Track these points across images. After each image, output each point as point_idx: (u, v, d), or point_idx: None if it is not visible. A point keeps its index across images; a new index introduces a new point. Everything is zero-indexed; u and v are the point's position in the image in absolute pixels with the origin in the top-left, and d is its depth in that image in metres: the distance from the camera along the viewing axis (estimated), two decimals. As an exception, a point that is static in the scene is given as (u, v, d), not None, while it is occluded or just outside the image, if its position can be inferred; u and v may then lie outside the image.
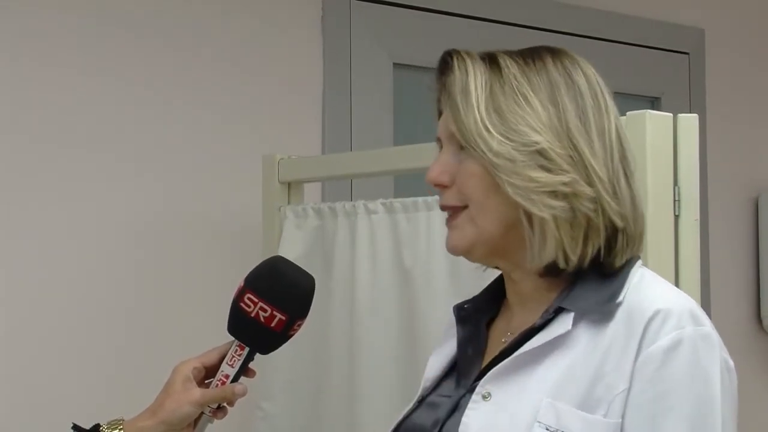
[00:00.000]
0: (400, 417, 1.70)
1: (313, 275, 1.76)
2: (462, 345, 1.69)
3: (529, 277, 1.62)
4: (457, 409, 1.60)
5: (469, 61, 1.62)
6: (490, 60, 1.62)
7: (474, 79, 1.60)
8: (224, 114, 2.80)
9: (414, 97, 3.11)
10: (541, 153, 1.55)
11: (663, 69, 3.62)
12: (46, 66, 2.58)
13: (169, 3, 2.74)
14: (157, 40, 2.72)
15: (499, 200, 1.58)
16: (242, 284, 1.73)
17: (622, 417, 1.51)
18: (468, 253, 1.64)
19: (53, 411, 2.49)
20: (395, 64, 3.09)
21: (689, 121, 1.95)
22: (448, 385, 1.68)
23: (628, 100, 3.49)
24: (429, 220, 2.27)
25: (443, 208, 1.65)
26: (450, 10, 3.18)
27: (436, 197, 2.24)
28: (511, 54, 1.63)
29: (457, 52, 1.63)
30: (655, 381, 1.50)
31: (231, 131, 2.81)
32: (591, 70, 1.64)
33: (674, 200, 1.95)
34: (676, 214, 1.95)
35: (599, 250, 1.58)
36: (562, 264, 1.57)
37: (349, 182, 2.92)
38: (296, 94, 2.92)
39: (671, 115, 1.96)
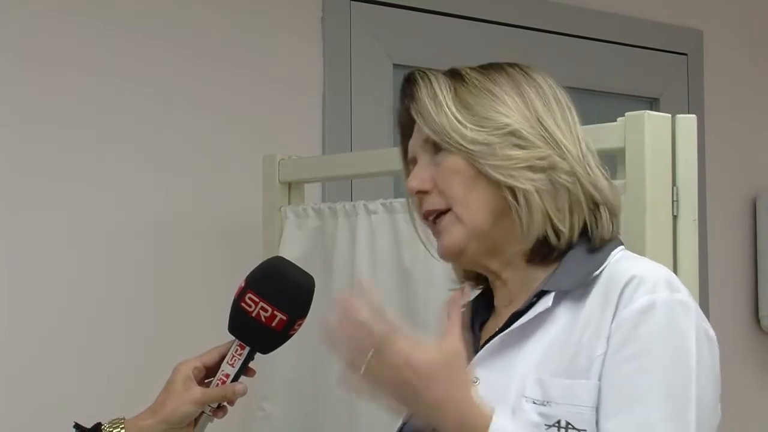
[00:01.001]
0: (399, 423, 1.71)
1: (313, 275, 1.77)
2: None
3: (519, 270, 1.66)
4: None
5: (431, 74, 1.69)
6: (451, 72, 1.70)
7: (438, 85, 1.67)
8: (224, 114, 2.81)
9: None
10: (513, 134, 1.63)
11: (661, 70, 3.62)
12: (46, 66, 2.58)
13: (169, 3, 2.74)
14: (157, 40, 2.72)
15: (481, 190, 1.64)
16: (243, 284, 1.74)
17: (599, 378, 1.53)
18: (462, 253, 1.67)
19: (54, 410, 2.50)
20: (395, 65, 3.10)
21: (688, 121, 1.96)
22: None
23: (627, 101, 3.50)
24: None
25: (426, 214, 1.69)
26: (450, 11, 3.19)
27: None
28: (470, 67, 1.72)
29: (419, 70, 1.71)
30: (629, 341, 1.53)
31: (231, 131, 2.81)
32: (549, 78, 1.72)
33: (673, 201, 1.95)
34: (675, 214, 1.95)
35: (585, 224, 1.63)
36: (553, 239, 1.62)
37: (349, 182, 2.93)
38: (296, 94, 2.92)
39: (670, 115, 1.97)
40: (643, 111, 1.94)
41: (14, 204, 2.54)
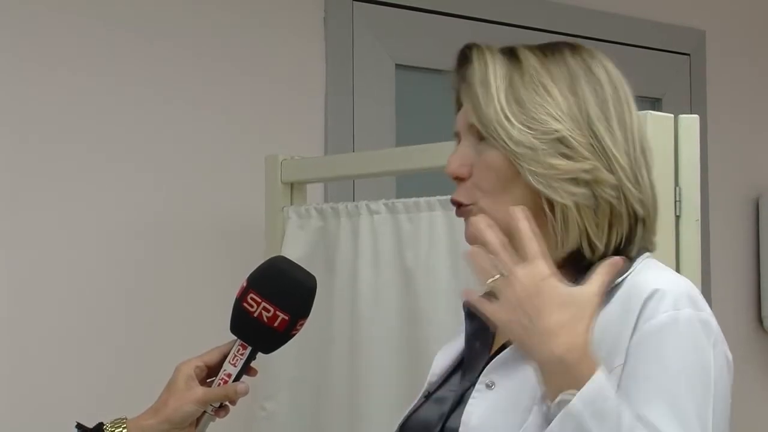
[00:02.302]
0: (406, 412, 1.71)
1: (315, 275, 1.77)
2: (470, 339, 1.69)
3: None
4: (461, 401, 1.60)
5: (488, 54, 1.62)
6: (510, 53, 1.63)
7: (493, 71, 1.60)
8: (227, 115, 2.81)
9: (416, 97, 3.12)
10: (561, 141, 1.56)
11: (664, 70, 3.62)
12: (46, 66, 2.58)
13: (170, 3, 2.75)
14: (158, 40, 2.72)
15: (517, 191, 1.57)
16: (245, 284, 1.74)
17: (616, 389, 1.50)
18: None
19: (54, 410, 2.50)
20: (397, 65, 3.10)
21: (690, 121, 1.96)
22: (455, 380, 1.68)
23: (630, 101, 3.50)
24: (431, 220, 2.27)
25: (454, 202, 1.65)
26: (452, 12, 3.19)
27: (438, 198, 2.26)
28: (530, 47, 1.64)
29: (477, 45, 1.64)
30: (650, 359, 1.49)
31: (234, 132, 2.81)
32: (611, 65, 1.65)
33: (675, 201, 1.95)
34: (677, 214, 1.95)
35: (622, 239, 1.58)
36: (587, 253, 1.57)
37: (352, 183, 2.93)
38: (299, 94, 2.92)
39: (672, 115, 1.97)
40: (645, 111, 1.94)
41: (14, 204, 2.53)
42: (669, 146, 1.94)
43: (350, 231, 2.41)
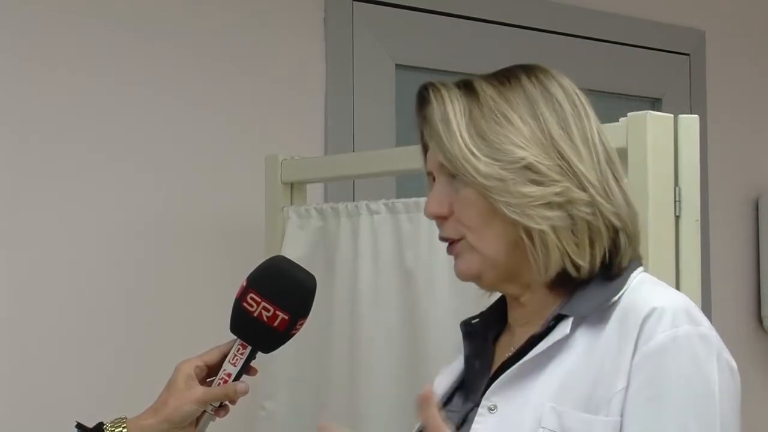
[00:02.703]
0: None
1: (315, 275, 1.77)
2: (469, 360, 1.69)
3: (538, 294, 1.63)
4: (465, 423, 1.61)
5: (444, 91, 1.63)
6: (466, 86, 1.64)
7: (452, 108, 1.61)
8: (227, 115, 2.81)
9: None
10: (529, 167, 1.57)
11: (664, 70, 3.62)
12: (46, 66, 2.58)
13: (170, 4, 2.75)
14: (158, 40, 2.72)
15: (498, 223, 1.59)
16: (245, 284, 1.74)
17: (621, 415, 1.51)
18: (478, 278, 1.65)
19: (55, 410, 2.50)
20: (397, 65, 3.10)
21: (690, 122, 1.96)
22: (457, 401, 1.68)
23: (629, 101, 3.50)
24: (431, 220, 2.27)
25: (442, 239, 1.66)
26: (452, 12, 3.19)
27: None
28: (486, 78, 1.65)
29: (432, 84, 1.65)
30: (652, 380, 1.50)
31: (234, 132, 2.81)
32: (566, 81, 1.65)
33: (675, 201, 1.95)
34: (677, 214, 1.95)
35: (605, 253, 1.59)
36: (573, 272, 1.58)
37: (352, 183, 2.93)
38: (299, 94, 2.92)
39: (672, 116, 1.97)
40: (645, 111, 1.94)
41: (14, 204, 2.54)
42: (669, 146, 1.94)
43: (350, 231, 2.41)
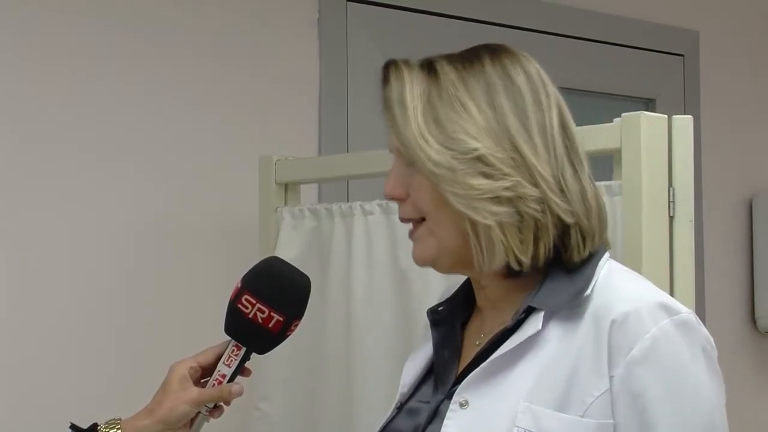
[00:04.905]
0: (380, 425, 1.70)
1: (309, 276, 1.77)
2: (438, 348, 1.68)
3: (497, 280, 1.61)
4: (436, 415, 1.60)
5: (405, 72, 1.61)
6: (429, 67, 1.62)
7: (411, 89, 1.59)
8: (221, 115, 2.81)
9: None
10: (480, 159, 1.54)
11: (657, 71, 3.62)
12: (46, 66, 2.58)
13: (167, 4, 2.74)
14: (155, 40, 2.72)
15: (450, 211, 1.56)
16: (239, 285, 1.74)
17: (602, 418, 1.49)
18: (434, 264, 1.64)
19: (51, 411, 2.50)
20: (391, 66, 3.09)
21: (684, 122, 1.96)
22: (426, 390, 1.68)
23: (623, 102, 3.50)
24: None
25: (402, 220, 1.65)
26: (446, 12, 3.19)
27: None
28: (449, 58, 1.63)
29: (395, 62, 1.63)
30: (642, 391, 1.49)
31: (228, 132, 2.81)
32: (533, 67, 1.61)
33: (669, 201, 1.95)
34: (671, 215, 1.95)
35: (554, 249, 1.56)
36: (515, 267, 1.56)
37: (346, 183, 2.93)
38: (293, 95, 2.92)
39: (666, 116, 1.97)
40: (639, 112, 1.94)
41: (14, 204, 2.53)
42: (663, 147, 1.94)
43: (344, 231, 2.41)
